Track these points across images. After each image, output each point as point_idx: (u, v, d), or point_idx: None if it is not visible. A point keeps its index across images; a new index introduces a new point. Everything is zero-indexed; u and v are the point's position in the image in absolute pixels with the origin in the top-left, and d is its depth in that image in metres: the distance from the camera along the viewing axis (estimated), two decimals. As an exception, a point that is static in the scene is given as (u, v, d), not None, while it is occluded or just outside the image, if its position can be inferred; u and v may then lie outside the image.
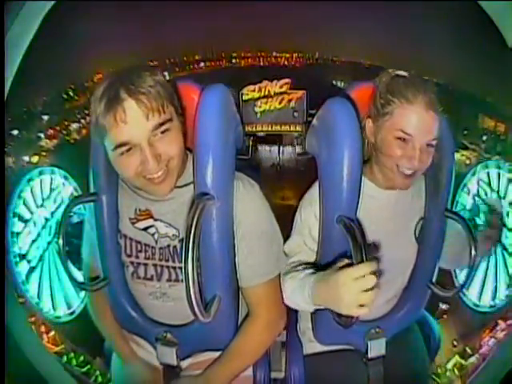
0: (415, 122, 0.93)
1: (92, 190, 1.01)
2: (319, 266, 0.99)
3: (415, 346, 1.23)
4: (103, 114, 0.79)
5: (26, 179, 1.96)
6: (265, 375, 1.14)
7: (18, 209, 1.91)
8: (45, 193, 2.04)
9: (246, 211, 0.94)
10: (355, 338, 1.08)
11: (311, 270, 0.94)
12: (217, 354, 1.03)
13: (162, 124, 0.82)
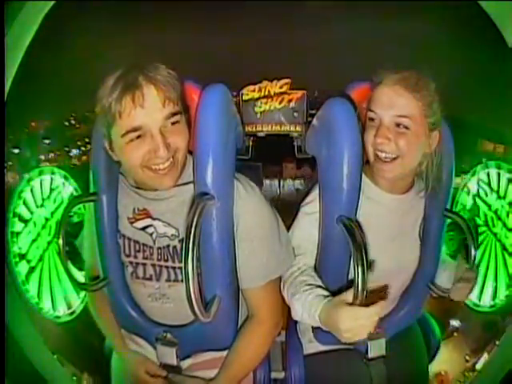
0: (379, 97, 0.93)
1: (92, 189, 1.01)
2: (323, 283, 0.98)
3: (415, 345, 1.23)
4: (118, 98, 0.80)
5: (26, 179, 1.95)
6: (265, 375, 1.14)
7: (18, 209, 1.90)
8: (45, 193, 2.03)
9: (246, 213, 0.94)
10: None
11: (318, 292, 0.91)
12: (217, 354, 1.03)
13: (174, 114, 0.84)
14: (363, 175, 0.98)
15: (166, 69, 0.85)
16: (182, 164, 0.90)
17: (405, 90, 0.91)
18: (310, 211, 1.05)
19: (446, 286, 1.09)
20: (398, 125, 0.92)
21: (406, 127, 0.91)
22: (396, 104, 0.91)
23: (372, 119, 0.95)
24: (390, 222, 1.05)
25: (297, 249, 1.05)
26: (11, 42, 0.94)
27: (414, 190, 1.06)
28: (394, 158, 0.94)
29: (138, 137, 0.82)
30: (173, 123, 0.84)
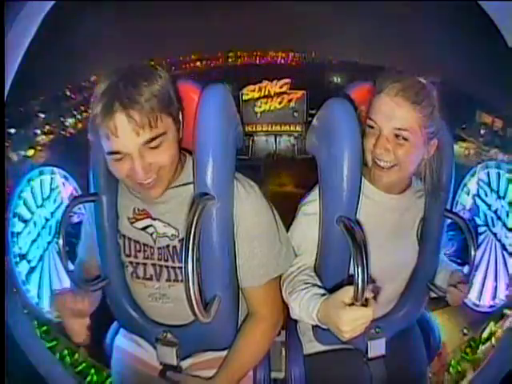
0: (378, 108, 0.93)
1: (92, 190, 1.01)
2: (320, 280, 0.99)
3: (415, 345, 1.23)
4: (99, 117, 0.79)
5: (26, 179, 1.96)
6: (265, 375, 1.14)
7: (18, 209, 1.91)
8: (45, 193, 2.04)
9: (246, 213, 0.94)
10: (355, 338, 1.08)
11: (314, 291, 0.92)
12: (217, 353, 1.03)
13: (153, 139, 0.82)
14: None
15: (149, 85, 0.80)
16: (171, 175, 0.90)
17: (406, 101, 0.91)
18: (310, 211, 1.05)
19: (443, 286, 1.09)
20: (397, 136, 0.93)
21: (405, 139, 0.92)
22: (396, 116, 0.91)
23: (371, 127, 0.95)
24: (387, 221, 1.05)
25: (296, 249, 1.05)
26: (11, 42, 0.94)
27: (412, 190, 1.07)
28: (392, 166, 0.95)
29: (120, 158, 0.83)
30: (154, 146, 0.83)
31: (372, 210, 1.02)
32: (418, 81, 0.94)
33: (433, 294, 1.14)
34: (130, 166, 0.83)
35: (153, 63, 0.90)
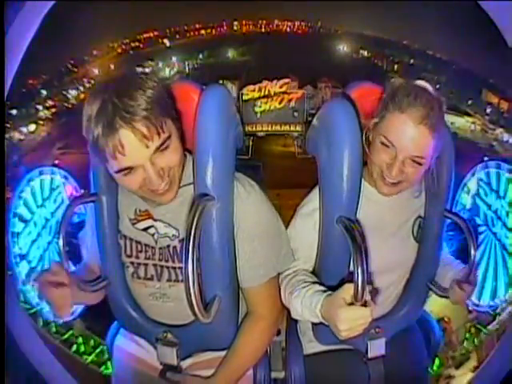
0: (400, 132, 0.90)
1: (92, 190, 1.01)
2: (320, 280, 1.00)
3: (415, 345, 1.23)
4: (101, 138, 0.77)
5: (27, 179, 1.96)
6: (265, 375, 1.14)
7: (18, 209, 1.91)
8: (45, 193, 2.04)
9: (247, 213, 0.94)
10: (355, 338, 1.08)
11: (316, 288, 0.92)
12: (217, 353, 1.03)
13: (162, 144, 0.81)
14: None
15: (144, 93, 0.77)
16: (180, 172, 0.90)
17: (429, 131, 0.89)
18: (308, 215, 1.05)
19: (445, 285, 1.09)
20: (412, 160, 0.92)
21: (420, 164, 0.93)
22: (419, 145, 0.90)
23: (385, 145, 0.93)
24: (385, 221, 1.05)
25: (294, 253, 1.05)
26: (11, 42, 0.94)
27: (409, 190, 1.06)
28: (400, 182, 0.96)
29: (130, 171, 0.81)
30: (162, 150, 0.81)
31: (370, 209, 1.02)
32: (433, 97, 0.91)
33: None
34: (142, 177, 0.82)
35: (139, 72, 0.87)
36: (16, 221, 1.91)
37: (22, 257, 1.94)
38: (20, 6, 0.96)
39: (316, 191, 1.05)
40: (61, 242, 0.96)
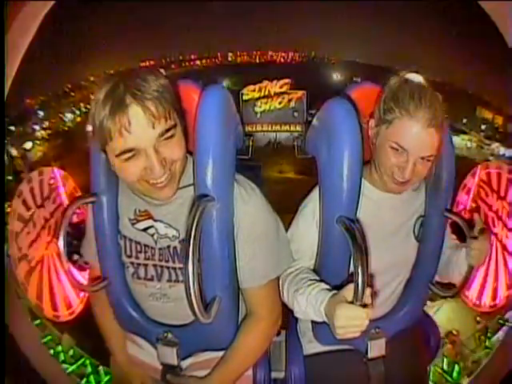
0: (412, 136, 0.91)
1: (92, 190, 1.01)
2: (322, 278, 0.99)
3: (415, 345, 1.23)
4: (108, 117, 0.76)
5: (26, 179, 1.95)
6: (265, 375, 1.14)
7: (17, 209, 1.90)
8: (45, 193, 2.03)
9: (248, 215, 0.94)
10: (355, 338, 1.09)
11: (322, 286, 0.92)
12: (217, 353, 1.03)
13: (167, 130, 0.80)
14: None
15: (156, 79, 0.79)
16: (181, 171, 0.89)
17: (437, 131, 0.91)
18: (309, 215, 1.05)
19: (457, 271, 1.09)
20: (422, 158, 0.93)
21: (429, 160, 0.94)
22: (429, 146, 0.92)
23: (397, 150, 0.94)
24: (385, 220, 1.05)
25: (295, 253, 1.05)
26: (11, 42, 0.94)
27: (409, 188, 1.06)
28: (409, 180, 0.96)
29: (133, 155, 0.80)
30: (167, 138, 0.81)
31: (370, 208, 1.02)
32: (433, 93, 0.93)
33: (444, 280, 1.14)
34: (143, 165, 0.81)
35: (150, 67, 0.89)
36: (16, 221, 1.91)
37: (22, 257, 1.94)
38: (20, 6, 0.96)
39: (316, 193, 1.05)
40: (60, 242, 0.96)
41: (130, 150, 0.79)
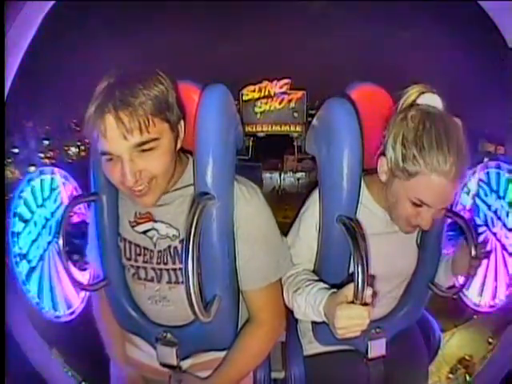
0: (436, 192, 0.84)
1: (92, 189, 1.01)
2: (322, 279, 0.99)
3: (415, 346, 1.23)
4: (92, 117, 0.78)
5: (27, 179, 1.95)
6: (265, 375, 1.14)
7: (18, 209, 1.91)
8: (45, 193, 2.03)
9: (248, 216, 0.93)
10: (355, 339, 1.08)
11: (321, 286, 0.92)
12: (217, 354, 1.03)
13: (144, 143, 0.79)
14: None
15: (150, 88, 0.78)
16: (164, 185, 0.88)
17: (460, 179, 0.85)
18: (309, 219, 1.05)
19: (444, 283, 1.10)
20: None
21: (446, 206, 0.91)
22: (451, 198, 0.87)
23: (416, 204, 0.87)
24: (383, 232, 1.03)
25: (295, 257, 1.05)
26: (11, 42, 0.94)
27: None
28: None
29: (111, 159, 0.81)
30: (144, 150, 0.80)
31: (373, 222, 1.01)
32: (459, 131, 0.86)
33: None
34: (120, 171, 0.81)
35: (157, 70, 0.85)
36: (16, 221, 1.91)
37: (22, 256, 1.94)
38: (20, 5, 0.96)
39: (316, 196, 1.04)
40: (61, 242, 0.96)
41: (106, 154, 0.80)
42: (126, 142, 0.78)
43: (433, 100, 0.91)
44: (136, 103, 0.77)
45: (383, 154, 0.93)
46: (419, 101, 0.91)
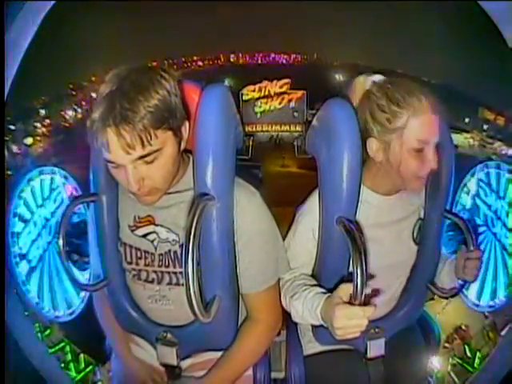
0: (428, 125, 0.92)
1: (92, 189, 1.01)
2: (319, 282, 1.00)
3: (415, 345, 1.23)
4: (95, 125, 0.77)
5: (26, 179, 1.95)
6: (265, 375, 1.14)
7: (18, 209, 1.91)
8: (45, 193, 2.03)
9: (248, 220, 0.93)
10: (355, 339, 1.09)
11: (317, 290, 0.93)
12: (217, 354, 1.03)
13: (146, 155, 0.80)
14: None
15: (147, 99, 0.76)
16: (166, 186, 0.89)
17: (436, 111, 0.93)
18: (306, 223, 1.05)
19: (449, 284, 1.10)
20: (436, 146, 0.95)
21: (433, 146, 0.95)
22: (438, 131, 0.93)
23: (418, 149, 0.93)
24: (384, 222, 1.05)
25: (292, 261, 1.05)
26: (11, 42, 0.94)
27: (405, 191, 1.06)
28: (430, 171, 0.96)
29: (116, 166, 0.82)
30: (146, 161, 0.81)
31: (370, 212, 1.02)
32: (427, 86, 0.96)
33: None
34: (124, 177, 0.82)
35: (161, 68, 0.84)
36: (16, 221, 1.91)
37: (22, 256, 1.94)
38: (20, 6, 0.96)
39: (314, 199, 1.04)
40: (61, 242, 0.96)
41: (111, 162, 0.81)
42: (129, 156, 0.79)
43: (376, 77, 1.01)
44: (136, 119, 0.75)
45: (367, 138, 0.98)
46: (367, 85, 1.01)
